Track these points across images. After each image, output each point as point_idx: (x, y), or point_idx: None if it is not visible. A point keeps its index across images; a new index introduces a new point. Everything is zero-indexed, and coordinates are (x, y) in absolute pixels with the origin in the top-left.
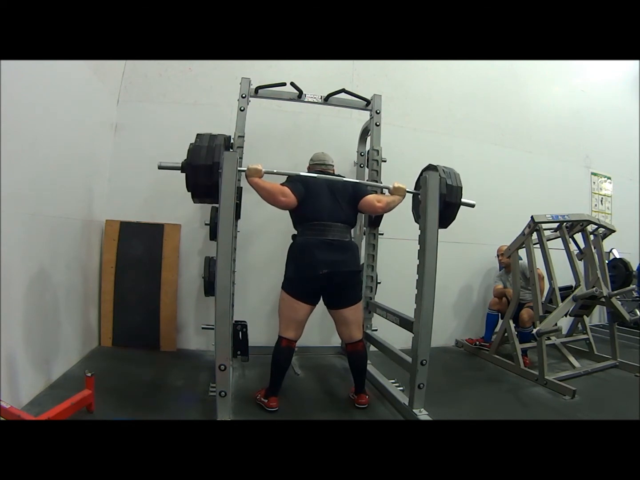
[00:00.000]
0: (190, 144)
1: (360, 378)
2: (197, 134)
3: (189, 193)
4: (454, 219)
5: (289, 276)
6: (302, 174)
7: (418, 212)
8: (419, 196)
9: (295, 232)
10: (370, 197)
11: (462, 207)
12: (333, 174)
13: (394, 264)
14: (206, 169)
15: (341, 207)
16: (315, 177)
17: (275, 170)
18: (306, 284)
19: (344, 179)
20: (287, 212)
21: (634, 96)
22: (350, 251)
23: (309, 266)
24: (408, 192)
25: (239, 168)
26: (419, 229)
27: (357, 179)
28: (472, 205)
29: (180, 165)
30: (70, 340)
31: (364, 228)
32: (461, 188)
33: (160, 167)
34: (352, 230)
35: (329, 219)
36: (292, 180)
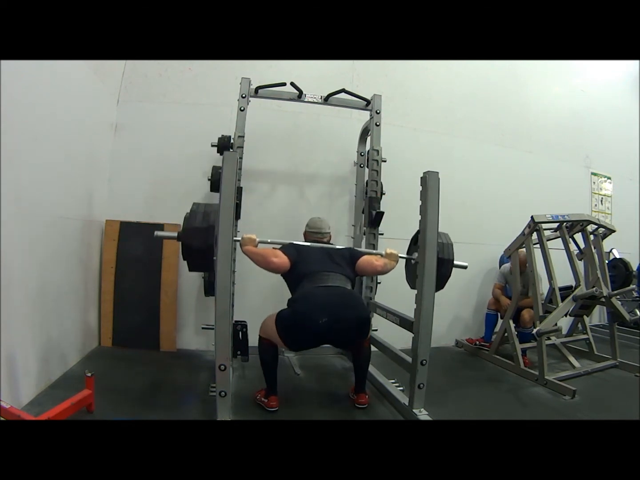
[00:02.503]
0: (186, 214)
1: (361, 376)
2: (194, 204)
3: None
4: (449, 276)
5: (285, 318)
6: (295, 242)
7: (413, 279)
8: (413, 260)
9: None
10: (368, 257)
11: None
12: (329, 242)
13: None
14: (200, 251)
15: (339, 264)
16: (309, 245)
17: (269, 240)
18: (302, 335)
19: (338, 246)
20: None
21: (634, 96)
22: (353, 297)
23: (306, 314)
24: (401, 257)
25: (234, 238)
26: (419, 228)
27: (357, 179)
28: (465, 267)
29: (176, 235)
30: (70, 340)
31: (364, 228)
32: (452, 260)
33: (156, 237)
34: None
35: (327, 270)
36: (285, 246)
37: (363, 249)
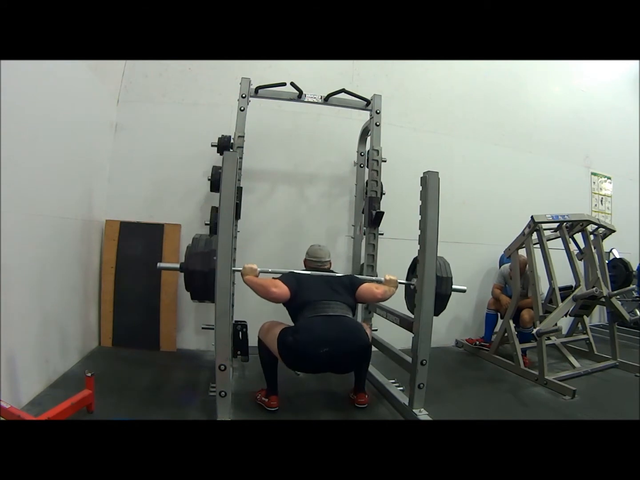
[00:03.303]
0: (187, 246)
1: (361, 376)
2: (195, 235)
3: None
4: (444, 308)
5: (287, 345)
6: (295, 271)
7: (412, 302)
8: (412, 286)
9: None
10: (368, 285)
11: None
12: (329, 270)
13: (394, 264)
14: (203, 275)
15: (339, 292)
16: (309, 274)
17: (270, 269)
18: (303, 363)
19: (338, 274)
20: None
21: (634, 96)
22: (354, 327)
23: (307, 345)
24: (400, 282)
25: (233, 268)
26: (419, 228)
27: (357, 179)
28: (463, 291)
29: (178, 267)
30: (70, 340)
31: (364, 228)
32: (451, 278)
33: (159, 269)
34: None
35: (328, 299)
36: (285, 275)
37: (364, 276)
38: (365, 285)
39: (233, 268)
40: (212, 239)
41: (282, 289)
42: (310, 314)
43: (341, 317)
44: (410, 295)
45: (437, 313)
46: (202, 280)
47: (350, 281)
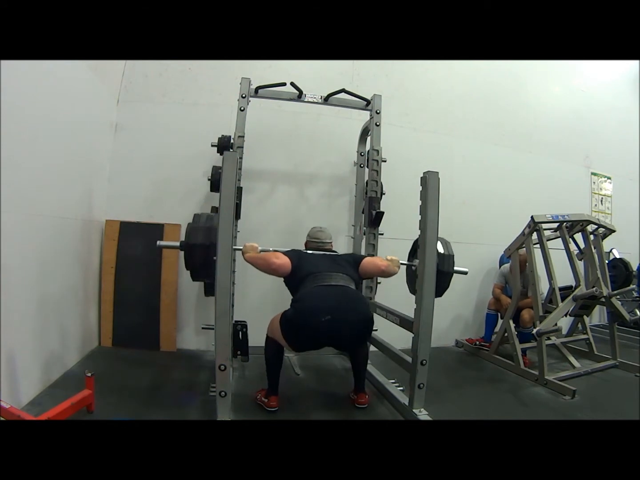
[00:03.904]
0: (188, 224)
1: (360, 375)
2: (195, 214)
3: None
4: (447, 287)
5: (288, 317)
6: (297, 250)
7: (413, 284)
8: (413, 267)
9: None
10: (371, 258)
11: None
12: (330, 250)
13: None
14: (203, 248)
15: (341, 265)
16: (310, 252)
17: (271, 249)
18: (305, 334)
19: (340, 253)
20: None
21: (634, 96)
22: (356, 296)
23: (308, 313)
24: (402, 263)
25: (234, 247)
26: (419, 228)
27: (357, 179)
28: (465, 273)
29: (179, 245)
30: (70, 340)
31: (364, 228)
32: (453, 256)
33: (159, 247)
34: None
35: (330, 271)
36: (287, 250)
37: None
38: (368, 258)
39: (234, 247)
40: (214, 216)
41: (283, 260)
42: (312, 285)
43: (343, 287)
44: (412, 277)
45: (440, 294)
46: (202, 255)
47: (353, 257)
